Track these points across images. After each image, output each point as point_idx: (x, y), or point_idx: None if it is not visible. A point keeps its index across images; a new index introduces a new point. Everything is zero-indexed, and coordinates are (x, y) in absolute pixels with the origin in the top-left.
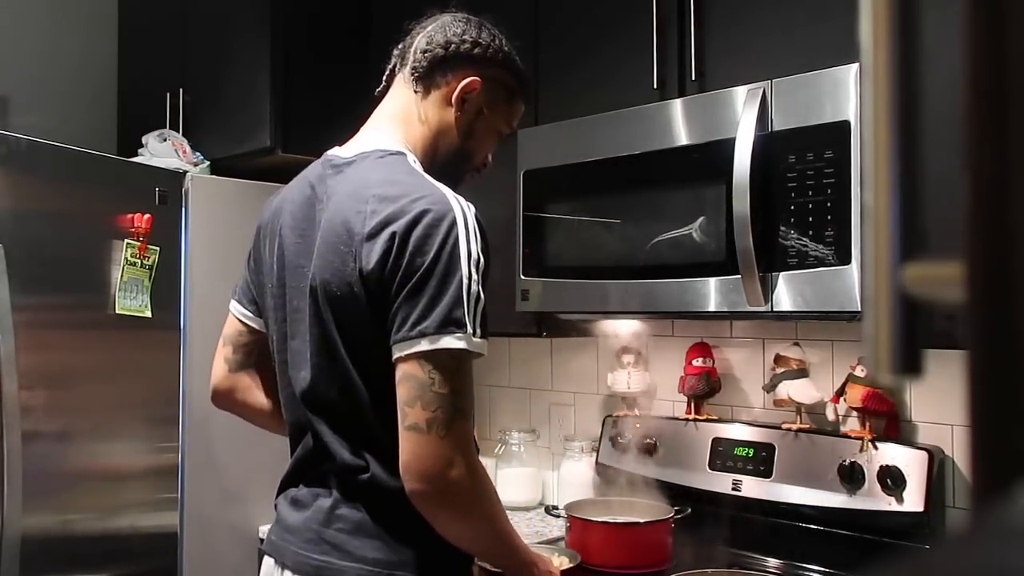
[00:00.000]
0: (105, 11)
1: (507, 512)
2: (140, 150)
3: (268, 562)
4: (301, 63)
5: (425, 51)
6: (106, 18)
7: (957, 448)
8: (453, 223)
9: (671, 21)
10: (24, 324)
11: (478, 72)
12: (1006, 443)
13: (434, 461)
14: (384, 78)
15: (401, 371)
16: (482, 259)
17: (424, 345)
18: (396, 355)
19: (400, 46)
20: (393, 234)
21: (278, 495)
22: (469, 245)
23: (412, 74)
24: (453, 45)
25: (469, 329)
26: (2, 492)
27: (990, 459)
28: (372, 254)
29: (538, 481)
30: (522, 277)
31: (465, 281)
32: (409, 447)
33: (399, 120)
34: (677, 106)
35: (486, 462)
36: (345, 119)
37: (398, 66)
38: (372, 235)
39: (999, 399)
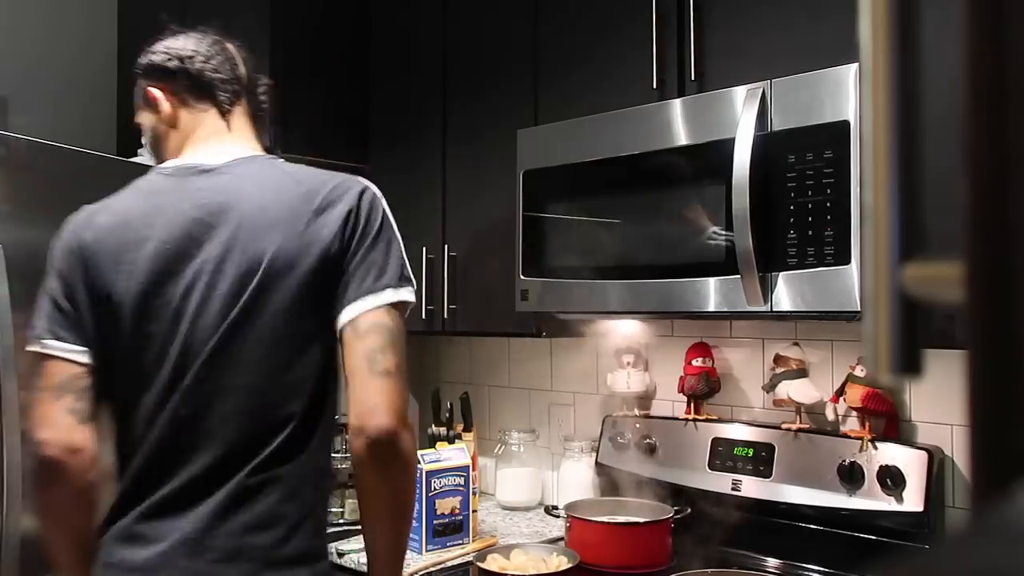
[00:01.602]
0: (104, 11)
1: (506, 511)
2: (140, 150)
3: None
4: (300, 64)
5: (262, 87)
6: (106, 18)
7: (957, 448)
8: (381, 197)
9: (670, 21)
10: (24, 324)
11: None
12: (1006, 443)
13: (403, 403)
14: (228, 106)
15: (369, 321)
16: None
17: (390, 296)
18: (364, 308)
19: (231, 74)
20: (348, 208)
21: (107, 531)
22: (391, 214)
23: (259, 111)
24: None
25: (414, 283)
26: (2, 492)
27: (990, 459)
28: (326, 227)
29: (538, 481)
30: (522, 277)
31: (402, 243)
32: (385, 391)
33: (248, 138)
34: (676, 106)
35: (485, 462)
36: (344, 120)
37: (241, 95)
38: (322, 210)
39: (999, 399)
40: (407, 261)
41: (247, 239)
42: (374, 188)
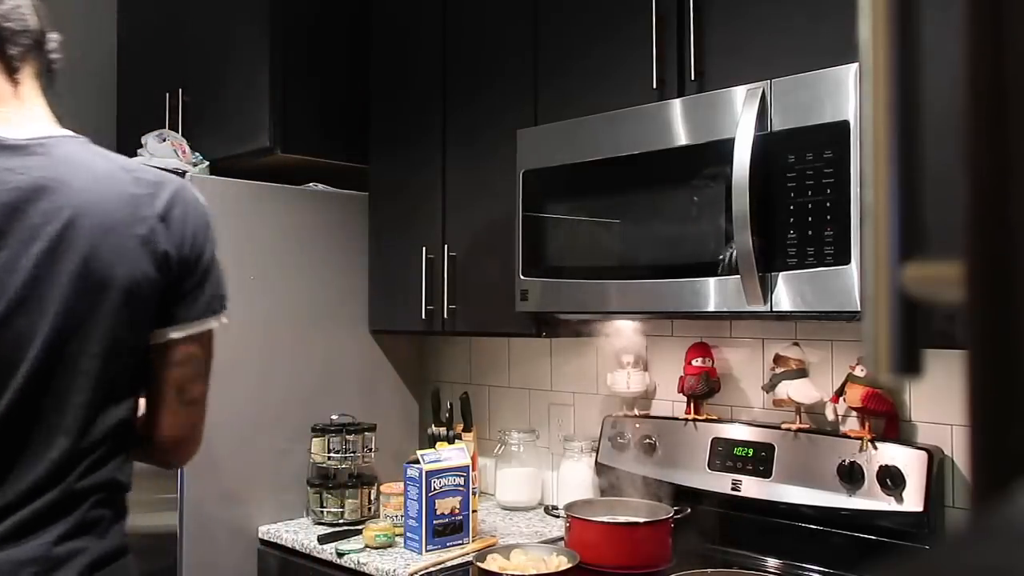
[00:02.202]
0: (104, 11)
1: (506, 511)
2: (139, 150)
3: None
4: (300, 63)
5: (52, 43)
6: (105, 18)
7: (957, 448)
8: (206, 204)
9: (670, 21)
10: None
11: None
12: (1006, 443)
13: (202, 428)
14: (18, 62)
15: (183, 351)
16: None
17: (209, 323)
18: (181, 335)
19: (23, 24)
20: (186, 216)
21: None
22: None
23: (49, 71)
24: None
25: (227, 303)
26: None
27: (990, 459)
28: (170, 236)
29: (538, 481)
30: (521, 277)
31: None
32: (186, 419)
33: (43, 106)
34: (676, 106)
35: (485, 462)
36: (344, 119)
37: (31, 51)
38: (164, 216)
39: (999, 399)
40: (223, 276)
41: (82, 241)
42: (199, 193)
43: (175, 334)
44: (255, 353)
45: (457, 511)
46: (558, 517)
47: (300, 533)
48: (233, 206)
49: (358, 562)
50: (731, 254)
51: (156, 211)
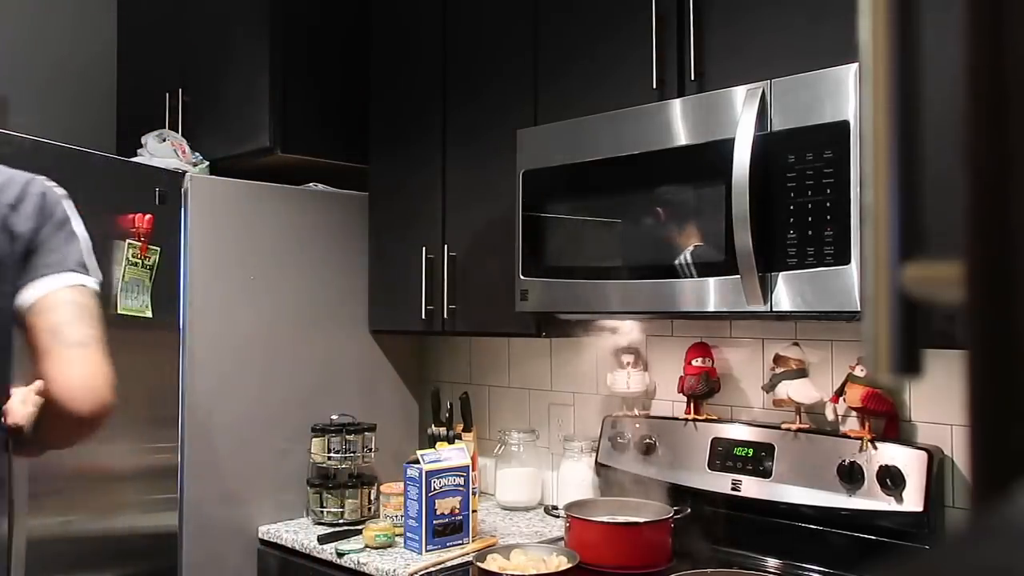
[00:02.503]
0: (104, 11)
1: (506, 511)
2: (139, 150)
3: None
4: (300, 63)
5: None
6: (105, 18)
7: (957, 448)
8: (65, 194)
9: (670, 21)
10: None
11: None
12: (1006, 443)
13: (105, 376)
14: None
15: (52, 299)
16: None
17: (71, 279)
18: (45, 290)
19: None
20: (37, 204)
21: None
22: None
23: None
24: None
25: (99, 276)
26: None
27: (990, 459)
28: (19, 223)
29: (538, 481)
30: (522, 277)
31: (87, 241)
32: (81, 362)
33: None
34: (676, 106)
35: (485, 462)
36: (344, 119)
37: None
38: (15, 205)
39: (999, 399)
40: (92, 257)
41: None
42: (55, 185)
43: (32, 296)
44: (255, 353)
45: (457, 511)
46: (558, 517)
47: (300, 533)
48: (233, 206)
49: (358, 562)
50: (692, 253)
51: (7, 201)
